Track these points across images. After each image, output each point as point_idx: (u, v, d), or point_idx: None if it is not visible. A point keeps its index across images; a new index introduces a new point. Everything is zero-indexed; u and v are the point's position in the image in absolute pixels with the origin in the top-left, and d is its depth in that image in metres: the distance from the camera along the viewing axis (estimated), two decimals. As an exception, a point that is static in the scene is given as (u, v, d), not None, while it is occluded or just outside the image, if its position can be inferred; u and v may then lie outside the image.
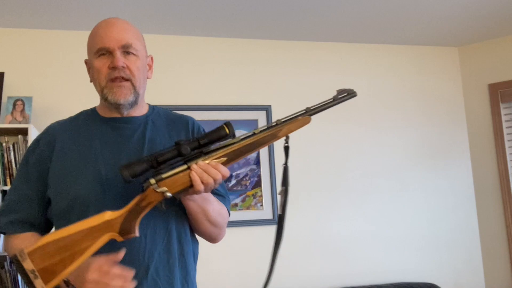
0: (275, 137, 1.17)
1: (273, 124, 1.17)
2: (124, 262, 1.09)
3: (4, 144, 2.53)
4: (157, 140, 1.24)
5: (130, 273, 1.06)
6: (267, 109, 3.13)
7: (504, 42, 3.44)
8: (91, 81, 1.28)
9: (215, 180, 1.09)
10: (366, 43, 3.43)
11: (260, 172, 3.07)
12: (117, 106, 1.22)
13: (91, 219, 1.07)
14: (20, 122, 2.59)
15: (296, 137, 3.46)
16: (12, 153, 2.52)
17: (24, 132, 2.55)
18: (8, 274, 2.42)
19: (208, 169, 1.09)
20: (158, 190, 1.07)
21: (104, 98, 1.23)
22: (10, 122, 2.57)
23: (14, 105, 2.62)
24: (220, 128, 1.12)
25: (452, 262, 3.34)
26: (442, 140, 3.47)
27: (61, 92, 2.85)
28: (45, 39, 2.87)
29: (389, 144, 3.36)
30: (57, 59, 2.88)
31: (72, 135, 1.26)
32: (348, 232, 3.19)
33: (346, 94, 1.21)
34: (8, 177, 2.50)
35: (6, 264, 2.43)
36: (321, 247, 3.13)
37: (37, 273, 1.01)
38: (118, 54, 1.19)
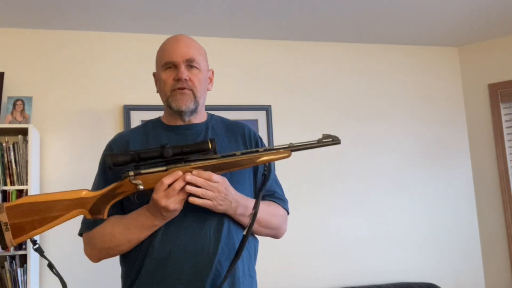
0: (253, 162, 1.24)
1: (255, 150, 1.26)
2: (191, 255, 1.21)
3: (4, 144, 2.53)
4: (218, 144, 1.35)
5: (178, 173, 1.17)
6: (267, 109, 3.13)
7: (504, 42, 3.44)
8: (157, 92, 1.40)
9: (202, 186, 1.17)
10: (366, 43, 3.43)
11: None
12: (179, 113, 1.34)
13: (69, 193, 1.18)
14: (20, 122, 2.59)
15: (297, 138, 3.46)
16: (12, 153, 2.52)
17: (24, 132, 2.55)
18: (8, 274, 2.42)
19: (195, 180, 1.17)
20: (133, 182, 1.17)
21: (168, 106, 1.35)
22: (10, 122, 2.58)
23: (14, 105, 2.62)
24: (204, 141, 1.22)
25: (452, 262, 3.34)
26: (442, 140, 3.47)
27: (61, 92, 2.85)
28: (45, 39, 2.88)
29: (389, 144, 3.36)
30: (57, 59, 2.88)
31: (143, 140, 1.37)
32: (348, 232, 3.19)
33: (330, 140, 1.27)
34: (8, 177, 2.50)
35: (6, 264, 2.44)
36: (321, 247, 3.13)
37: (8, 226, 1.13)
38: (183, 67, 1.31)
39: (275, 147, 1.26)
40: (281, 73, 3.24)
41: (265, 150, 1.25)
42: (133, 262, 1.27)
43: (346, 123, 3.29)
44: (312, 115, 3.21)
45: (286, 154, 1.26)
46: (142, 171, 1.18)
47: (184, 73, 1.31)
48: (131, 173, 1.18)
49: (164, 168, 1.18)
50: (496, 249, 3.37)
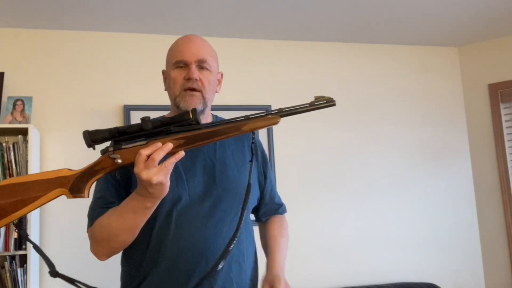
0: (239, 130, 1.15)
1: (241, 118, 1.17)
2: (202, 256, 1.22)
3: (4, 144, 2.53)
4: (225, 145, 1.36)
5: (157, 144, 1.11)
6: (267, 109, 3.11)
7: (504, 42, 3.44)
8: (165, 90, 1.39)
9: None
10: (366, 43, 3.43)
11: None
12: None
13: (50, 172, 1.15)
14: (20, 122, 2.59)
15: (297, 138, 3.46)
16: (12, 153, 2.52)
17: (24, 132, 2.55)
18: (8, 274, 2.42)
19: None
20: (111, 156, 1.13)
21: (176, 106, 1.33)
22: (10, 122, 2.58)
23: (14, 105, 2.62)
24: (185, 112, 1.15)
25: (452, 262, 3.34)
26: (442, 140, 3.47)
27: (61, 92, 2.85)
28: (45, 39, 2.88)
29: (389, 144, 3.36)
30: (57, 59, 2.88)
31: None
32: (348, 232, 3.19)
33: (324, 102, 1.17)
34: (8, 177, 2.50)
35: (6, 264, 2.44)
36: (321, 247, 3.12)
37: None
38: (194, 67, 1.31)
39: (262, 113, 1.18)
40: (281, 73, 3.24)
41: (252, 116, 1.17)
42: (140, 261, 1.26)
43: (346, 123, 3.29)
44: (312, 115, 3.20)
45: (275, 120, 1.16)
46: (122, 146, 1.15)
47: (195, 72, 1.30)
48: (110, 148, 1.15)
49: (145, 141, 1.14)
50: (496, 249, 3.37)
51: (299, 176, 3.13)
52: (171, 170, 1.10)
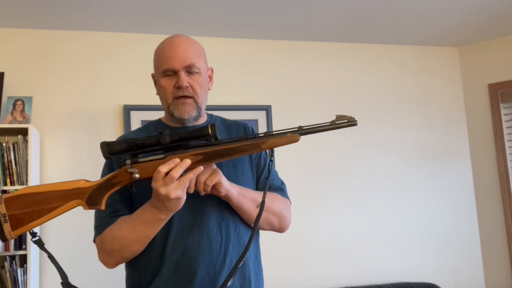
0: (258, 147, 1.16)
1: (260, 135, 1.17)
2: (204, 254, 1.22)
3: (4, 144, 2.53)
4: None
5: (176, 160, 1.12)
6: (267, 109, 3.13)
7: (504, 42, 3.44)
8: (157, 94, 1.37)
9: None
10: (366, 43, 3.43)
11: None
12: (182, 121, 1.33)
13: (67, 183, 1.16)
14: (20, 122, 2.59)
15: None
16: (12, 153, 2.52)
17: (24, 132, 2.55)
18: (8, 274, 2.42)
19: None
20: (129, 170, 1.14)
21: (170, 114, 1.33)
22: (10, 122, 2.58)
23: (14, 105, 2.62)
24: (204, 127, 1.15)
25: (452, 262, 3.34)
26: (442, 140, 3.47)
27: (61, 92, 2.85)
28: (45, 39, 2.88)
29: (389, 144, 3.36)
30: (57, 59, 2.88)
31: None
32: (348, 232, 3.19)
33: (345, 122, 1.14)
34: (8, 177, 2.50)
35: (6, 264, 2.44)
36: (321, 247, 3.13)
37: (6, 218, 1.12)
38: (183, 74, 1.28)
39: (282, 131, 1.16)
40: (281, 73, 3.24)
41: (271, 134, 1.16)
42: (147, 264, 1.26)
43: (346, 123, 3.29)
44: (312, 115, 3.21)
45: (295, 138, 1.16)
46: (140, 160, 1.14)
47: (184, 80, 1.27)
48: (128, 161, 1.14)
49: (162, 156, 1.14)
50: (496, 249, 3.37)
51: (299, 176, 3.13)
52: (188, 185, 1.12)
